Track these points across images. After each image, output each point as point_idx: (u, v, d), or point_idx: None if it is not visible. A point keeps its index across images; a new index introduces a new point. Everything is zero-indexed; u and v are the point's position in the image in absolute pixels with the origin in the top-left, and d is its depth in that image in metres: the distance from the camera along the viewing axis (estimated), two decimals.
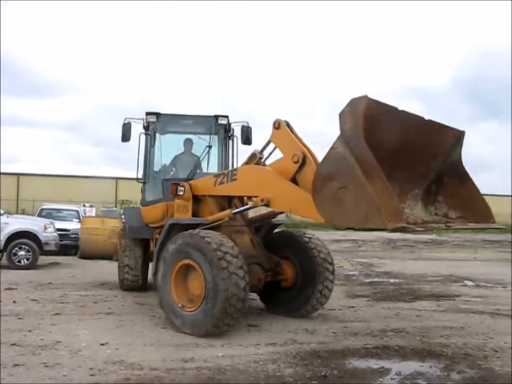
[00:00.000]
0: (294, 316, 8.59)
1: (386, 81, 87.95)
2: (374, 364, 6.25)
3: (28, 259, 15.20)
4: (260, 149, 8.31)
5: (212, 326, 7.08)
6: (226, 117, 10.45)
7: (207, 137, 10.50)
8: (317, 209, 6.30)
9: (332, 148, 6.04)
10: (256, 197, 7.70)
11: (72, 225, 20.46)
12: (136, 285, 10.90)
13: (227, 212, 8.25)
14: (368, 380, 5.63)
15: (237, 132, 10.57)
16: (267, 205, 7.63)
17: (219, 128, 10.52)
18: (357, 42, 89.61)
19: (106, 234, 17.92)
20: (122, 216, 11.83)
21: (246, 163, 8.39)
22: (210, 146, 10.27)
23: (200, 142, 10.64)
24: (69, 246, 19.30)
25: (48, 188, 42.44)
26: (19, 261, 15.10)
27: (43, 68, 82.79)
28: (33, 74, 76.76)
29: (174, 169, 10.67)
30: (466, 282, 14.46)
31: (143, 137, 10.44)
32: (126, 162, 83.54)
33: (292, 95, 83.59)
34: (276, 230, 9.55)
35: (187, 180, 9.29)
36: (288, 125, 7.75)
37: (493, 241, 35.51)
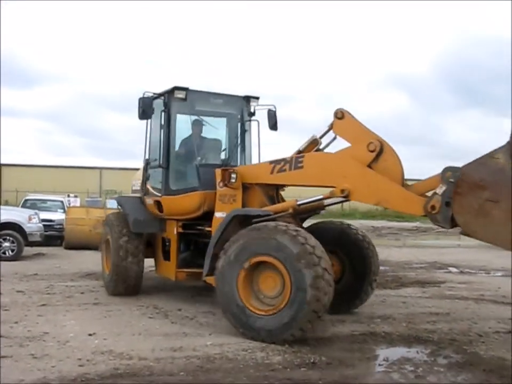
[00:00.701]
0: (337, 312, 7.83)
1: (371, 70, 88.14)
2: (361, 350, 6.32)
3: (12, 250, 15.04)
4: (317, 134, 7.60)
5: (299, 329, 6.26)
6: (258, 98, 9.40)
7: (217, 119, 9.69)
8: (454, 213, 5.87)
9: (490, 155, 5.59)
10: (330, 187, 7.07)
11: (57, 215, 20.29)
12: (137, 288, 9.48)
13: (291, 202, 7.43)
14: (355, 366, 5.69)
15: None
16: (346, 197, 6.91)
17: (248, 110, 9.44)
18: (341, 31, 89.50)
19: (91, 224, 17.84)
20: (119, 207, 10.37)
21: (305, 149, 7.59)
22: (246, 131, 9.46)
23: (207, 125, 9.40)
24: (54, 236, 19.15)
25: (32, 178, 41.94)
26: (4, 252, 14.94)
27: (25, 57, 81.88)
28: (15, 63, 75.77)
29: (199, 153, 9.08)
30: (451, 269, 14.63)
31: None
32: (110, 152, 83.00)
33: (274, 80, 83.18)
34: (314, 222, 8.72)
35: (221, 166, 8.46)
36: (348, 113, 7.21)
37: None
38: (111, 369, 5.39)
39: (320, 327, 7.27)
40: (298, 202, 7.31)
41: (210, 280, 7.32)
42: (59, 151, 78.72)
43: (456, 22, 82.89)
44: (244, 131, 9.49)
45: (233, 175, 7.61)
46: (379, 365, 5.77)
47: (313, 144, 7.58)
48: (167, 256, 9.08)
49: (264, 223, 6.75)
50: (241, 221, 7.20)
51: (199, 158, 8.85)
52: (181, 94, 8.60)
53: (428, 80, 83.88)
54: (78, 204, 25.65)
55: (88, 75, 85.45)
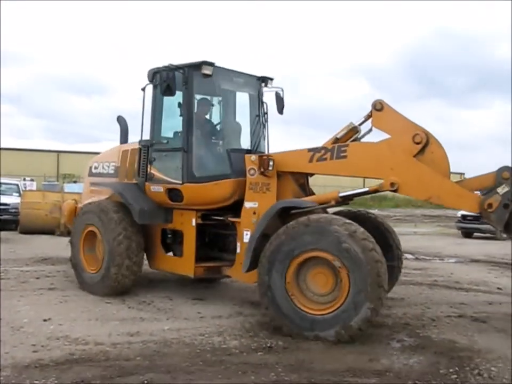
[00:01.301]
0: None
1: (336, 60, 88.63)
2: (318, 334, 6.39)
3: None
4: (355, 122, 7.18)
5: (357, 329, 5.95)
6: (272, 79, 8.68)
7: (240, 100, 8.79)
8: None
9: None
10: (375, 179, 6.88)
11: (12, 199, 19.82)
12: (133, 283, 8.32)
13: (334, 194, 6.97)
14: (312, 350, 5.77)
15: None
16: (395, 190, 6.61)
17: (262, 92, 8.71)
18: (306, 20, 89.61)
19: (47, 208, 17.40)
20: (119, 195, 8.43)
21: (343, 137, 7.16)
22: (266, 113, 8.70)
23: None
24: (8, 220, 18.70)
25: None
26: None
27: None
28: None
29: (224, 137, 8.40)
30: (406, 255, 14.87)
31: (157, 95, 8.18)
32: (69, 136, 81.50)
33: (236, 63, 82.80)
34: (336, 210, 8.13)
35: (251, 151, 7.96)
36: (388, 104, 6.91)
37: (432, 216, 36.71)
38: (66, 354, 5.35)
39: None
40: (341, 194, 6.94)
41: (245, 277, 7.13)
42: (16, 134, 76.84)
43: (420, 15, 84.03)
44: (263, 114, 8.71)
45: (271, 162, 7.05)
46: (335, 348, 5.85)
47: (352, 131, 7.17)
48: (178, 250, 8.16)
49: (318, 216, 6.35)
50: (279, 213, 6.88)
51: (223, 142, 8.23)
52: (208, 70, 7.63)
53: (391, 71, 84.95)
54: (34, 188, 25.21)
55: (49, 56, 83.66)
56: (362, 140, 7.26)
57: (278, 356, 5.54)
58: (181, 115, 7.82)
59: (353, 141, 7.11)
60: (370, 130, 7.17)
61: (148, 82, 8.17)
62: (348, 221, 6.25)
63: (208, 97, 8.51)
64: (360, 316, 5.87)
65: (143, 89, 8.23)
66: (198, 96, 8.15)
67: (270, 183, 7.18)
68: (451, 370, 5.19)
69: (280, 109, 8.77)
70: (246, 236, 7.17)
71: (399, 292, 9.10)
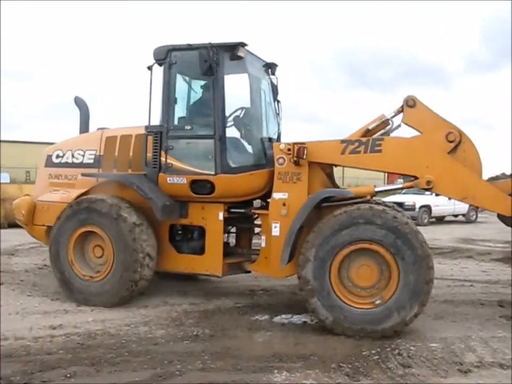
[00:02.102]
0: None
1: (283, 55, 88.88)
2: (245, 321, 6.48)
3: None
4: (386, 115, 7.01)
5: (404, 324, 5.90)
6: (277, 66, 8.30)
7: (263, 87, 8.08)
8: None
9: None
10: (409, 175, 6.76)
11: None
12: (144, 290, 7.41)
13: (370, 188, 6.69)
14: (238, 337, 5.82)
15: None
16: (430, 188, 6.51)
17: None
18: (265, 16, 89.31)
19: None
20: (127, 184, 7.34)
21: (375, 129, 7.01)
22: (279, 101, 8.29)
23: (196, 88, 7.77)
24: None
25: None
26: None
27: None
28: None
29: (254, 123, 7.65)
30: None
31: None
32: None
33: None
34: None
35: (271, 140, 7.62)
36: (420, 101, 6.82)
37: None
38: None
39: (203, 300, 7.38)
40: (376, 189, 6.72)
41: (273, 272, 6.77)
42: None
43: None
44: (278, 101, 8.30)
45: (306, 151, 6.61)
46: (261, 335, 5.92)
47: (384, 124, 7.02)
48: (193, 248, 7.44)
49: (367, 206, 6.13)
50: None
51: (255, 130, 7.59)
52: (242, 52, 7.04)
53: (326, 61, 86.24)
54: None
55: None
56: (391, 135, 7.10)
57: (204, 344, 5.54)
58: (195, 100, 7.56)
59: (383, 133, 6.99)
60: (399, 125, 7.05)
61: (159, 60, 7.23)
62: (399, 212, 6.26)
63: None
64: (411, 311, 5.83)
65: (150, 68, 7.32)
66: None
67: (301, 173, 6.78)
68: (373, 351, 5.37)
69: (275, 96, 8.34)
70: (275, 229, 6.72)
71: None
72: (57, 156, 8.28)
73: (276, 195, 6.81)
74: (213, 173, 6.95)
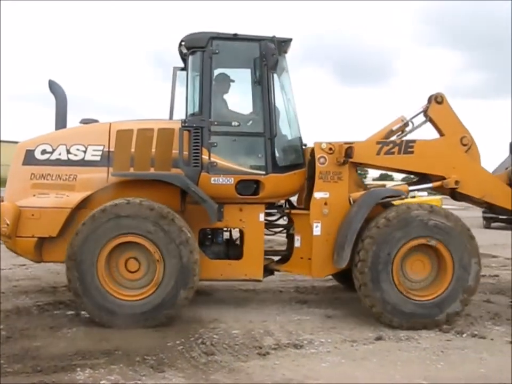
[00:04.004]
0: None
1: None
2: (46, 319, 6.24)
3: None
4: (406, 116, 7.26)
5: (451, 315, 6.32)
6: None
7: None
8: None
9: None
10: (436, 175, 6.98)
11: None
12: None
13: (404, 187, 7.07)
14: (39, 336, 5.59)
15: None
16: (456, 188, 6.86)
17: None
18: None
19: None
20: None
21: (391, 130, 7.21)
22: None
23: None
24: None
25: None
26: None
27: None
28: None
29: (292, 121, 7.35)
30: None
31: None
32: None
33: None
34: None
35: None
36: (447, 100, 7.12)
37: None
38: None
39: (2, 300, 6.95)
40: (410, 188, 7.10)
41: (311, 271, 6.77)
42: None
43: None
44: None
45: (353, 151, 6.63)
46: (64, 332, 5.75)
47: (405, 125, 7.29)
48: (226, 253, 6.98)
49: (419, 205, 6.50)
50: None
51: (294, 128, 7.25)
52: (289, 48, 7.00)
53: None
54: None
55: None
56: (414, 133, 7.38)
57: None
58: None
59: (402, 132, 7.27)
60: (425, 121, 7.29)
61: (196, 47, 6.67)
62: (448, 211, 6.54)
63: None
64: (462, 299, 6.31)
65: (185, 56, 6.83)
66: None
67: (341, 172, 6.78)
68: (177, 342, 5.48)
69: None
70: (316, 228, 6.68)
71: None
72: (44, 152, 6.71)
73: (317, 194, 6.75)
74: (263, 172, 6.65)
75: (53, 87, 7.26)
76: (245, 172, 6.65)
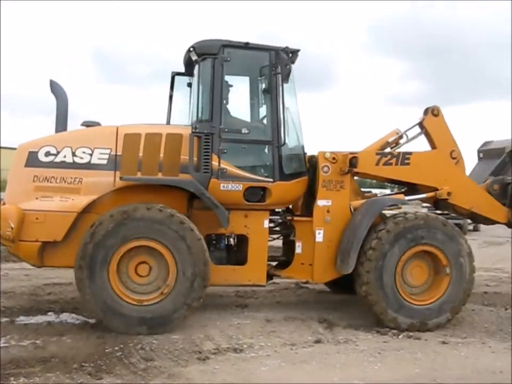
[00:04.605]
0: None
1: None
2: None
3: None
4: (400, 129, 7.59)
5: (452, 317, 6.74)
6: None
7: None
8: None
9: None
10: (429, 187, 7.29)
11: None
12: None
13: (401, 197, 7.45)
14: None
15: None
16: (447, 199, 7.21)
17: None
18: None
19: None
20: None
21: (386, 142, 7.49)
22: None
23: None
24: None
25: None
26: None
27: None
28: None
29: (297, 129, 7.40)
30: None
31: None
32: None
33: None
34: None
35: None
36: (442, 114, 7.51)
37: None
38: None
39: None
40: (406, 198, 7.38)
41: (321, 277, 7.07)
42: None
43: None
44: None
45: (358, 161, 6.93)
46: None
47: (400, 137, 7.60)
48: (229, 259, 7.04)
49: (425, 214, 6.98)
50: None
51: (298, 135, 7.23)
52: (297, 57, 6.99)
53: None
54: None
55: None
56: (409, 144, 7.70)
57: None
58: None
59: (396, 144, 7.57)
60: (420, 133, 7.57)
61: (208, 54, 6.63)
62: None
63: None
64: (460, 301, 6.70)
65: (197, 62, 6.72)
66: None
67: (343, 181, 7.05)
68: (116, 348, 5.41)
69: None
70: (319, 235, 6.92)
71: (67, 276, 9.05)
72: (48, 154, 6.48)
73: (320, 202, 6.97)
74: (271, 179, 6.72)
75: (54, 87, 7.06)
76: (253, 179, 6.74)
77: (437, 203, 7.53)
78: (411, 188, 7.61)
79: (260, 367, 5.11)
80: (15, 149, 6.72)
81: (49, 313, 6.69)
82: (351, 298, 7.51)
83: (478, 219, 7.94)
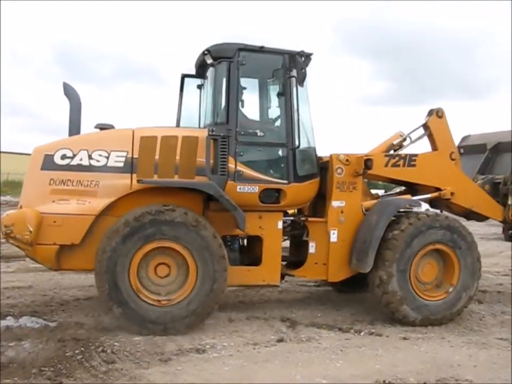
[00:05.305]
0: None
1: None
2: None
3: None
4: (403, 131, 7.89)
5: (459, 313, 7.07)
6: None
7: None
8: None
9: None
10: (432, 187, 7.60)
11: None
12: None
13: (409, 197, 7.68)
14: None
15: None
16: (449, 199, 7.55)
17: None
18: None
19: None
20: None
21: (391, 144, 7.80)
22: None
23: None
24: None
25: None
26: None
27: None
28: None
29: (309, 131, 7.42)
30: None
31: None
32: None
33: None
34: None
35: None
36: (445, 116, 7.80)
37: None
38: None
39: None
40: (413, 198, 7.59)
41: (335, 276, 7.21)
42: None
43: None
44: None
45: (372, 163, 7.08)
46: None
47: (403, 140, 7.87)
48: (244, 259, 7.08)
49: (435, 213, 7.24)
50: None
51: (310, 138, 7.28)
52: (310, 61, 6.97)
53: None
54: None
55: None
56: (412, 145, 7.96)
57: None
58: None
59: (400, 147, 7.84)
60: (424, 134, 7.83)
61: (224, 58, 6.66)
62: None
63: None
64: (474, 288, 7.06)
65: (213, 65, 6.80)
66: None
67: (356, 182, 7.23)
68: (77, 351, 5.32)
69: None
70: (333, 235, 7.10)
71: (28, 279, 8.92)
72: (64, 157, 6.41)
73: (335, 203, 7.14)
74: (285, 181, 6.79)
75: (67, 90, 7.00)
76: (269, 180, 6.80)
77: (432, 202, 7.82)
78: (411, 188, 7.88)
79: (223, 367, 5.11)
80: None
81: (8, 317, 6.53)
82: (313, 297, 7.57)
83: (472, 217, 8.16)
